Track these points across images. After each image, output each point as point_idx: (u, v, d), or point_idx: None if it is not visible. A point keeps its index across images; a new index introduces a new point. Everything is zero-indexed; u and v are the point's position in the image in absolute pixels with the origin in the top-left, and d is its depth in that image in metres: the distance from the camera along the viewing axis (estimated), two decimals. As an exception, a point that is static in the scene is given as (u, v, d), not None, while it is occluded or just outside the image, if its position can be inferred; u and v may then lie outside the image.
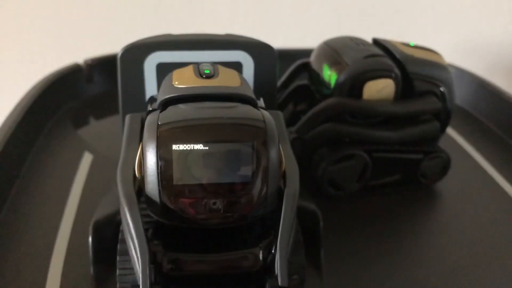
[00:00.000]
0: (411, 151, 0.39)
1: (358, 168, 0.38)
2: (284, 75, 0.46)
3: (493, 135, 0.51)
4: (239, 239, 0.26)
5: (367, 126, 0.38)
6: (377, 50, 0.39)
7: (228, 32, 0.36)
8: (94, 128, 0.51)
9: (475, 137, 0.50)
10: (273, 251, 0.24)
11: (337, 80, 0.38)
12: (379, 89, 0.38)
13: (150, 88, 0.35)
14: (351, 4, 0.70)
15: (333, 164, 0.38)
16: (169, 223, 0.24)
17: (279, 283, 0.23)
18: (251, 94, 0.27)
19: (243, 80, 0.28)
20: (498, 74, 0.72)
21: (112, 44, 0.50)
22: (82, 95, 0.55)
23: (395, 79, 0.38)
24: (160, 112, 0.25)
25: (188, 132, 0.23)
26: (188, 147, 0.23)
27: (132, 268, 0.24)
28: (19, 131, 0.41)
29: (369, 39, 0.43)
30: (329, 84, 0.39)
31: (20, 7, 0.67)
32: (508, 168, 0.44)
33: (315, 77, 0.42)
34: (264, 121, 0.24)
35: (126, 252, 0.24)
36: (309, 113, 0.38)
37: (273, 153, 0.24)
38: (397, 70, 0.38)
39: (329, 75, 0.39)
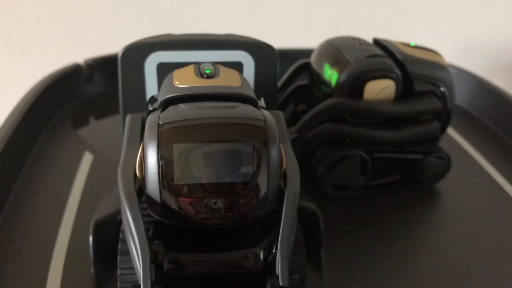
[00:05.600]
0: (411, 151, 0.39)
1: (356, 165, 0.38)
2: (284, 75, 0.46)
3: (493, 135, 0.51)
4: (239, 239, 0.26)
5: (367, 126, 0.38)
6: (379, 51, 0.39)
7: (229, 32, 0.36)
8: (94, 128, 0.51)
9: (475, 137, 0.50)
10: (273, 251, 0.24)
11: (338, 79, 0.38)
12: (380, 89, 0.38)
13: (151, 88, 0.35)
14: (351, 4, 0.70)
15: (332, 165, 0.38)
16: (170, 223, 0.24)
17: (280, 283, 0.23)
18: (252, 94, 0.27)
19: (243, 80, 0.28)
20: (498, 74, 0.72)
21: (112, 44, 0.50)
22: (82, 95, 0.55)
23: (396, 80, 0.38)
24: (161, 112, 0.25)
25: (189, 131, 0.23)
26: (189, 146, 0.23)
27: (133, 268, 0.24)
28: (19, 131, 0.41)
29: (369, 39, 0.43)
30: (329, 82, 0.39)
31: (20, 7, 0.67)
32: (508, 168, 0.44)
33: (316, 76, 0.42)
34: (264, 121, 0.24)
35: (127, 252, 0.24)
36: (310, 113, 0.38)
37: (273, 153, 0.24)
38: (398, 71, 0.38)
39: (330, 74, 0.39)
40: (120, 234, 0.26)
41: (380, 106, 0.38)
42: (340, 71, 0.38)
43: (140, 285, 0.22)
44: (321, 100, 0.39)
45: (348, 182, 0.39)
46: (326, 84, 0.40)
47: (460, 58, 0.65)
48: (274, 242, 0.24)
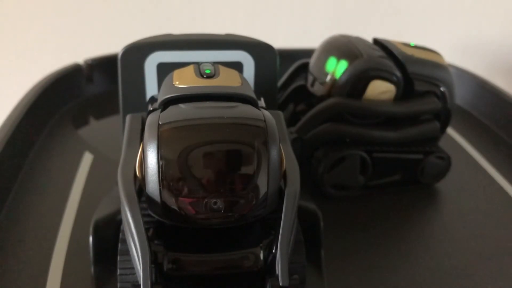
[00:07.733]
0: (411, 151, 0.39)
1: (356, 165, 0.38)
2: (284, 75, 0.46)
3: (493, 135, 0.51)
4: (239, 239, 0.26)
5: (367, 126, 0.38)
6: (382, 53, 0.39)
7: (229, 32, 0.36)
8: (94, 128, 0.51)
9: (475, 137, 0.50)
10: (273, 251, 0.24)
11: (346, 69, 0.38)
12: (381, 91, 0.38)
13: (151, 88, 0.35)
14: (351, 4, 0.70)
15: (332, 165, 0.38)
16: (170, 223, 0.24)
17: (280, 283, 0.23)
18: (252, 94, 0.27)
19: (243, 80, 0.28)
20: (498, 74, 0.72)
21: (112, 44, 0.50)
22: (82, 95, 0.55)
23: (397, 85, 0.38)
24: (161, 112, 0.25)
25: (189, 131, 0.23)
26: (189, 146, 0.23)
27: (132, 268, 0.24)
28: (19, 131, 0.41)
29: (369, 39, 0.43)
30: (333, 73, 0.39)
31: (20, 7, 0.67)
32: (508, 168, 0.44)
33: (317, 67, 0.41)
34: (264, 121, 0.24)
35: (126, 252, 0.24)
36: (310, 113, 0.38)
37: (273, 153, 0.24)
38: (399, 74, 0.38)
39: (338, 63, 0.38)
40: (120, 234, 0.26)
41: (380, 106, 0.38)
42: (350, 62, 0.38)
43: (140, 285, 0.22)
44: (321, 100, 0.39)
45: (348, 182, 0.39)
46: (329, 73, 0.39)
47: (460, 58, 0.65)
48: (274, 242, 0.24)
